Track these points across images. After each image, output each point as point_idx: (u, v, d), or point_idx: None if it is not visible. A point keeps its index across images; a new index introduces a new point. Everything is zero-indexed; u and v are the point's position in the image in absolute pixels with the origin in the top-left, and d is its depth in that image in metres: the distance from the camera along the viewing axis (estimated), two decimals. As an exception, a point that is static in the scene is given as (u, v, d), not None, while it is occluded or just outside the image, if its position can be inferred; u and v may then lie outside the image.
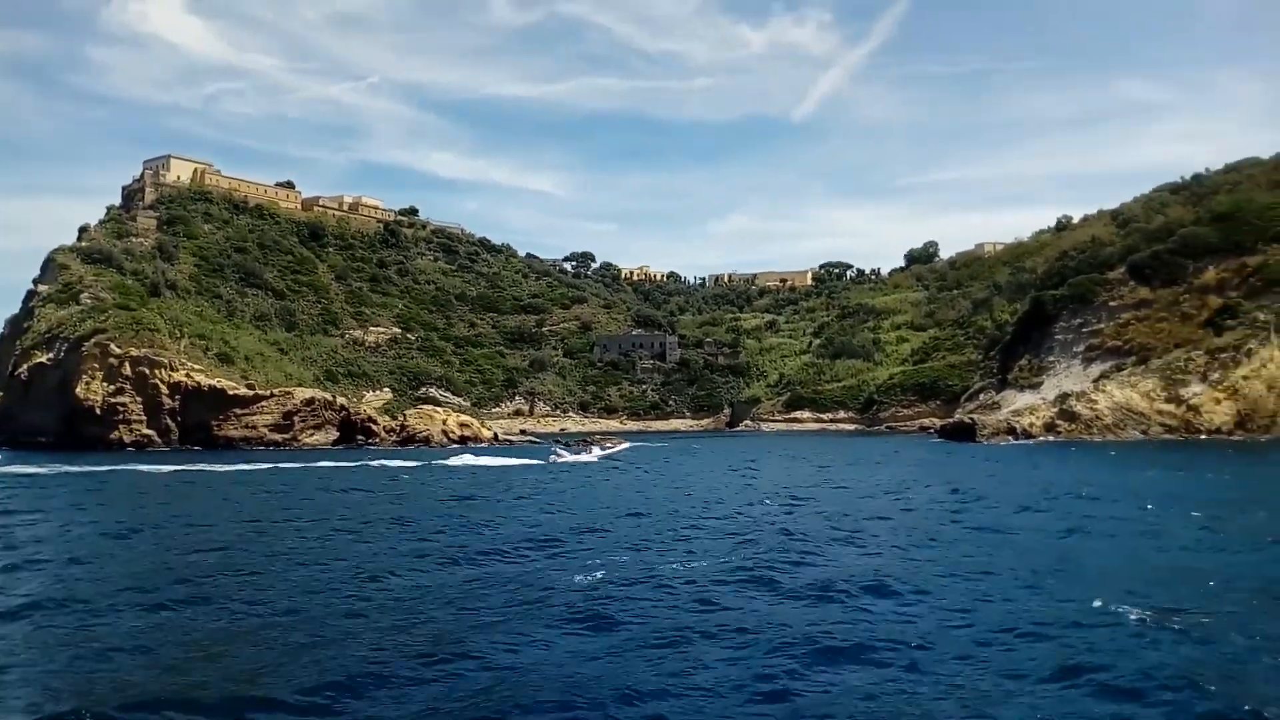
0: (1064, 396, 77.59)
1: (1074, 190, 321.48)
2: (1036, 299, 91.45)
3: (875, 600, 15.49)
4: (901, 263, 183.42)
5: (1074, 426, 74.58)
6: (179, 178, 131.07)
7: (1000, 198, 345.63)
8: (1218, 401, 72.43)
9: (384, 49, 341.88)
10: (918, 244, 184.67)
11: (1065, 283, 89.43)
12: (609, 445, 63.78)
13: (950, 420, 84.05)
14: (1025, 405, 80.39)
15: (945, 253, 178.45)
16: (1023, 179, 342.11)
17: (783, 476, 45.06)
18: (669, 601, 15.57)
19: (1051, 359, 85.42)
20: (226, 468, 53.42)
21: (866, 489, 36.72)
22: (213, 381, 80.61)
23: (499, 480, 44.14)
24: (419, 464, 56.63)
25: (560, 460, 56.18)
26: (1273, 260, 77.07)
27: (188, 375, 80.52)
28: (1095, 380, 79.27)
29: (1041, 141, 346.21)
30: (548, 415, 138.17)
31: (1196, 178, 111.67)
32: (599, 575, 17.66)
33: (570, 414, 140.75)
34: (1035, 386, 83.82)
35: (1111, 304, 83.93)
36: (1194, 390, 73.73)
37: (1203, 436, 69.48)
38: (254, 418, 79.79)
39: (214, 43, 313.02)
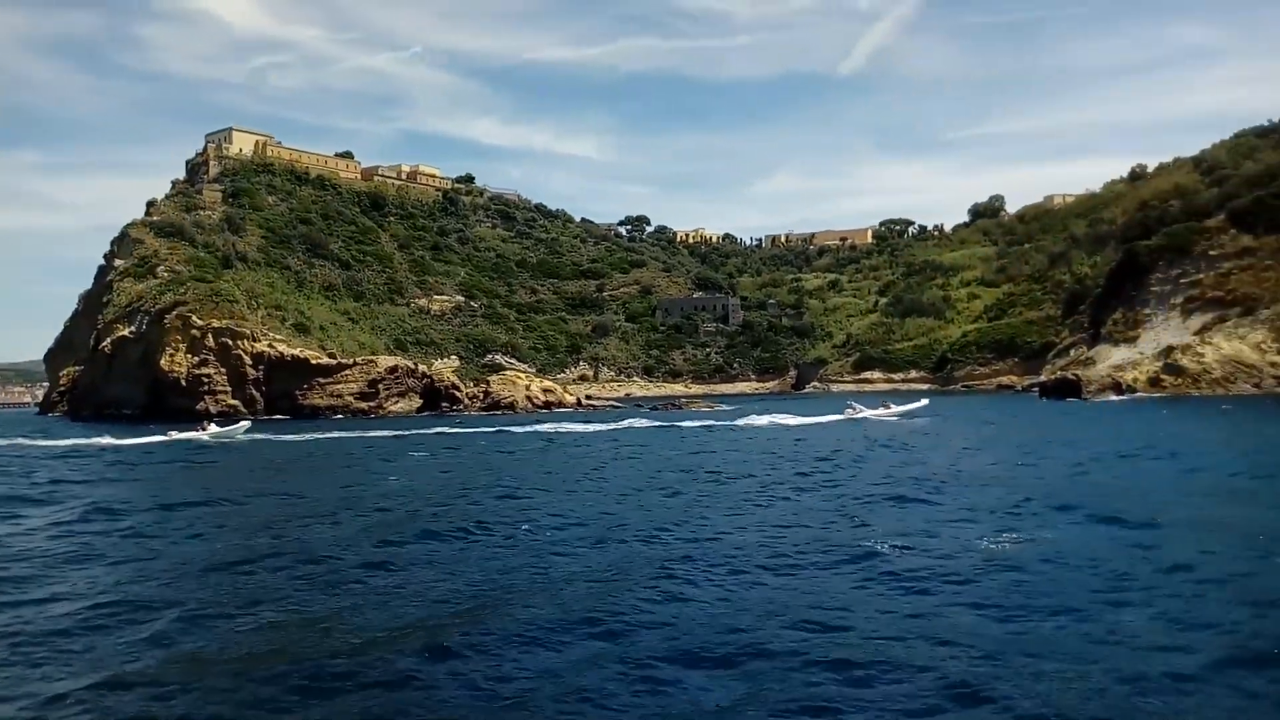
0: (1168, 350, 74.65)
1: (1130, 139, 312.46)
2: (1129, 250, 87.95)
3: None
4: (965, 218, 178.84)
5: (1180, 381, 71.76)
6: (241, 150, 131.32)
7: (1057, 148, 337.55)
8: (1336, 351, 69.40)
9: (424, 15, 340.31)
10: (974, 198, 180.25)
11: (1157, 232, 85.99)
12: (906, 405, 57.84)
13: (1052, 377, 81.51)
14: (1124, 360, 77.56)
15: (1010, 207, 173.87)
16: (1078, 129, 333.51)
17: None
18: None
19: (1148, 312, 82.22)
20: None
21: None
22: (295, 351, 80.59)
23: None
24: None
25: (857, 416, 54.00)
26: (1390, 203, 73.30)
27: (270, 345, 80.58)
28: (1197, 333, 76.21)
29: (1095, 90, 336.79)
30: (612, 380, 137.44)
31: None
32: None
33: (635, 378, 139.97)
34: (1131, 341, 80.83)
35: (1211, 253, 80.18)
36: (1310, 341, 70.61)
37: (1324, 388, 66.57)
38: (338, 386, 79.69)
39: (258, 15, 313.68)
